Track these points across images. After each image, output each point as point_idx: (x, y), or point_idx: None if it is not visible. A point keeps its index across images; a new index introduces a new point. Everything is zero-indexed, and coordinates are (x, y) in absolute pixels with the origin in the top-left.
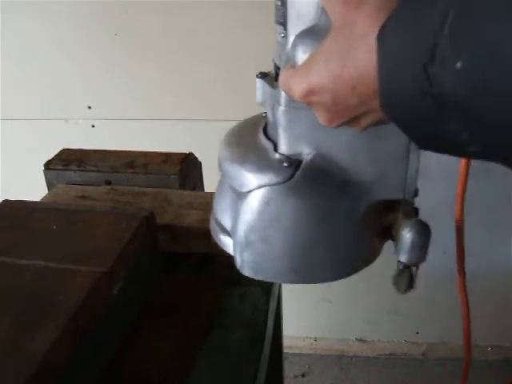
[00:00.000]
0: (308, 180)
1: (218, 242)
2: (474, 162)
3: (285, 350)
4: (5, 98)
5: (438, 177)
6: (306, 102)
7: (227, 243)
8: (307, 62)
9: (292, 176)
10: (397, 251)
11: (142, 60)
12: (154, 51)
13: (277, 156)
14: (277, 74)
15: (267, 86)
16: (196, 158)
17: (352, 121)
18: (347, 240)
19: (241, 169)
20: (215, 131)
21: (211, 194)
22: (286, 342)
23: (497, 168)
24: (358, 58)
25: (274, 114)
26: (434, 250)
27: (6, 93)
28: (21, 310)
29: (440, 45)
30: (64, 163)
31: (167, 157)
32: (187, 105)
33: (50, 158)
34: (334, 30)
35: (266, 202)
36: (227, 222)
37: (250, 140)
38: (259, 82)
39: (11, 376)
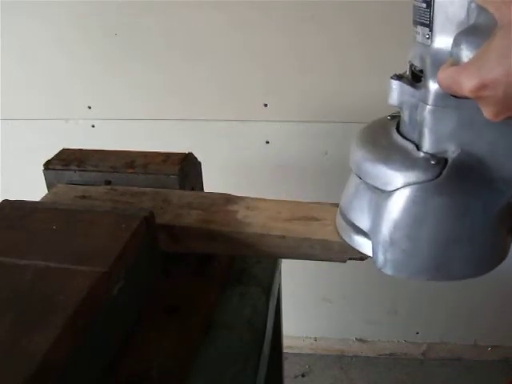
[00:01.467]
0: (454, 178)
1: (351, 243)
2: None
3: (285, 350)
4: (5, 98)
5: None
6: (475, 97)
7: (362, 243)
8: (476, 59)
9: (439, 174)
10: None
11: (142, 60)
12: (153, 51)
13: (421, 155)
14: (415, 75)
15: (406, 87)
16: (196, 158)
17: None
18: (486, 236)
19: (385, 168)
20: (215, 131)
21: (211, 194)
22: (285, 342)
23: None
24: None
25: (416, 114)
26: None
27: (6, 93)
28: (20, 309)
29: None
30: (64, 163)
31: (167, 157)
32: (187, 105)
33: (49, 158)
34: (502, 28)
35: (413, 200)
36: (364, 223)
37: (386, 140)
38: (395, 84)
39: (11, 376)
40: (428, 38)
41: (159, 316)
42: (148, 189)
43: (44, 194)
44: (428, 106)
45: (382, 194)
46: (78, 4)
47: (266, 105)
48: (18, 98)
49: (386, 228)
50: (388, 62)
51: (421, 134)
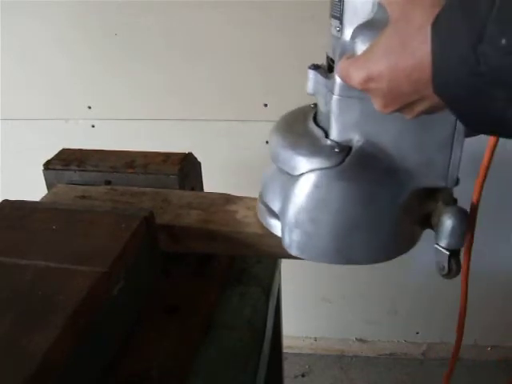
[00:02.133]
0: (357, 165)
1: (265, 225)
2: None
3: (285, 350)
4: (5, 98)
5: None
6: (363, 89)
7: (274, 225)
8: (366, 52)
9: (342, 161)
10: (437, 237)
11: (142, 60)
12: (153, 51)
13: (328, 142)
14: (330, 66)
15: (320, 77)
16: (195, 158)
17: (405, 107)
18: (389, 224)
19: (293, 153)
20: (215, 131)
21: (211, 194)
22: (285, 342)
23: (497, 167)
24: (414, 47)
25: (326, 103)
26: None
27: (6, 93)
28: (20, 309)
29: (487, 26)
30: (64, 163)
31: (167, 157)
32: (187, 105)
33: (49, 158)
34: (391, 23)
35: (316, 185)
36: (276, 205)
37: (301, 127)
38: (312, 73)
39: (11, 376)
40: (339, 31)
41: (159, 316)
42: (148, 189)
43: (44, 194)
44: (334, 96)
45: (290, 178)
46: (78, 4)
47: (266, 105)
48: (18, 98)
49: (291, 210)
50: None
51: (329, 123)
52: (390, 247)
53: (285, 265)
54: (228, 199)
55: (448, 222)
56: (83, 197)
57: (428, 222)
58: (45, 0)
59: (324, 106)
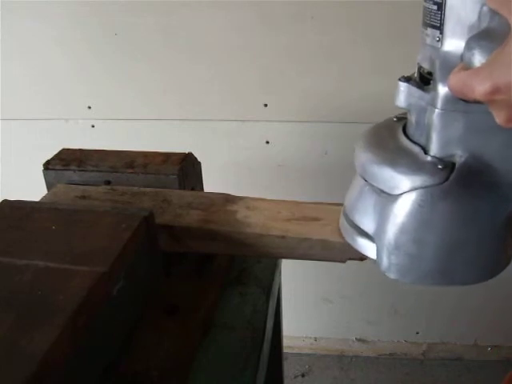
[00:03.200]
0: (461, 182)
1: (355, 246)
2: None
3: (285, 350)
4: (5, 98)
5: None
6: (487, 101)
7: (366, 246)
8: (489, 63)
9: (447, 178)
10: None
11: (142, 60)
12: (153, 51)
13: (429, 158)
14: (423, 77)
15: (415, 90)
16: (195, 158)
17: None
18: (492, 242)
19: (392, 171)
20: (215, 131)
21: (211, 194)
22: (285, 342)
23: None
24: None
25: (424, 117)
26: None
27: (6, 93)
28: (20, 309)
29: None
30: (63, 163)
31: (167, 157)
32: (187, 105)
33: (49, 158)
34: None
35: (420, 204)
36: (368, 225)
37: (393, 143)
38: (403, 86)
39: (11, 376)
40: (438, 41)
41: (159, 316)
42: (148, 189)
43: (44, 194)
44: (436, 110)
45: (388, 198)
46: (78, 4)
47: (266, 105)
48: (18, 98)
49: (391, 231)
50: (387, 62)
51: (428, 138)
52: (490, 266)
53: (285, 265)
54: (228, 199)
55: None
56: (83, 197)
57: None
58: (45, 0)
59: (416, 120)
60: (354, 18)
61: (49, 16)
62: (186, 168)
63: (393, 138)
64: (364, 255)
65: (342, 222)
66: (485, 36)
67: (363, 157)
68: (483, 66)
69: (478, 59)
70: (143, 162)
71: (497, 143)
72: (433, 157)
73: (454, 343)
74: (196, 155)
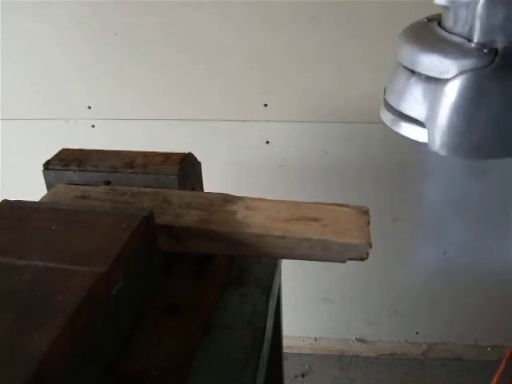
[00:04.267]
0: (505, 64)
1: (404, 132)
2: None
3: (285, 350)
4: (5, 98)
5: (439, 178)
6: None
7: (414, 131)
8: None
9: (493, 61)
10: None
11: (141, 60)
12: (153, 51)
13: (473, 45)
14: None
15: None
16: (195, 158)
17: None
18: None
19: (442, 58)
20: (215, 131)
21: (211, 194)
22: (285, 342)
23: (497, 167)
24: None
25: (465, 12)
26: (434, 250)
27: (6, 93)
28: (20, 310)
29: None
30: (63, 163)
31: (167, 157)
32: (187, 105)
33: (49, 158)
34: None
35: (470, 86)
36: (419, 112)
37: (435, 36)
38: None
39: (11, 376)
40: None
41: (159, 316)
42: (148, 189)
43: (44, 194)
44: (481, 0)
45: (439, 83)
46: (78, 4)
47: (266, 105)
48: (18, 98)
49: (443, 113)
50: (387, 62)
51: (472, 27)
52: None
53: (285, 265)
54: (228, 199)
55: None
56: (83, 197)
57: None
58: (45, 0)
59: (456, 15)
60: (353, 18)
61: (49, 16)
62: (186, 168)
63: (434, 33)
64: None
65: (386, 114)
66: None
67: (410, 49)
68: None
69: None
70: (143, 162)
71: None
72: (477, 43)
73: (453, 343)
74: (196, 155)
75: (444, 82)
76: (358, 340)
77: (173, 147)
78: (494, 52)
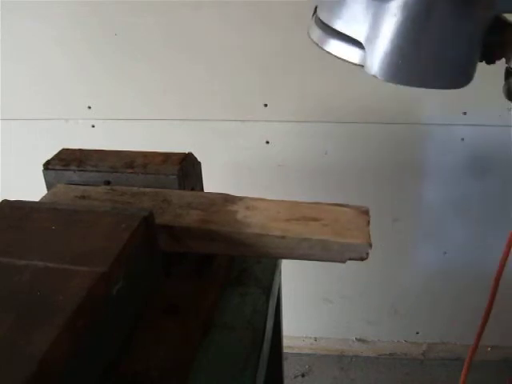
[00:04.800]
0: None
1: (335, 52)
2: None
3: (285, 350)
4: (5, 98)
5: (439, 179)
6: None
7: (348, 51)
8: None
9: None
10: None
11: (141, 60)
12: (153, 51)
13: None
14: None
15: None
16: (195, 158)
17: None
18: (473, 46)
19: None
20: (215, 131)
21: (211, 194)
22: (285, 342)
23: (497, 167)
24: None
25: None
26: (434, 250)
27: (6, 93)
28: (20, 310)
29: None
30: (63, 163)
31: (167, 157)
32: (187, 105)
33: (49, 158)
34: None
35: (417, 7)
36: (357, 31)
37: None
38: None
39: (10, 376)
40: None
41: (159, 316)
42: (148, 189)
43: (44, 194)
44: None
45: (381, 4)
46: (78, 4)
47: (266, 105)
48: (18, 98)
49: (386, 33)
50: None
51: None
52: (465, 75)
53: (285, 265)
54: (228, 199)
55: None
56: (83, 197)
57: (488, 54)
58: (45, 0)
59: None
60: None
61: (49, 16)
62: (186, 168)
63: None
64: (352, 63)
65: (316, 32)
66: None
67: None
68: None
69: None
70: (143, 162)
71: None
72: None
73: (453, 343)
74: (196, 155)
75: (385, 3)
76: (358, 340)
77: (173, 147)
78: None
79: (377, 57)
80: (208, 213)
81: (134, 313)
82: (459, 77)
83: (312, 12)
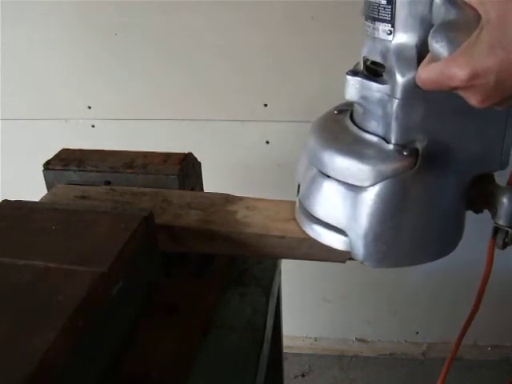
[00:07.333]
0: (427, 165)
1: (322, 240)
2: None
3: (285, 350)
4: (5, 98)
5: None
6: (467, 86)
7: (335, 239)
8: (464, 51)
9: (415, 164)
10: (496, 216)
11: (141, 60)
12: (153, 51)
13: (391, 147)
14: (371, 70)
15: (367, 82)
16: (195, 158)
17: (503, 101)
18: (455, 215)
19: (360, 164)
20: (215, 131)
21: (211, 194)
22: (285, 342)
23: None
24: None
25: (379, 108)
26: None
27: (6, 93)
28: (20, 310)
29: None
30: (63, 163)
31: (167, 157)
32: (187, 105)
33: (49, 158)
34: (489, 22)
35: (393, 193)
36: (338, 220)
37: (348, 136)
38: (353, 80)
39: (10, 376)
40: (390, 34)
41: (159, 316)
42: (148, 189)
43: (44, 194)
44: (397, 100)
45: (359, 190)
46: (78, 4)
47: (265, 105)
48: (17, 98)
49: (366, 223)
50: None
51: (388, 127)
52: (456, 236)
53: (285, 265)
54: (228, 199)
55: (506, 202)
56: (83, 197)
57: (473, 204)
58: (45, 0)
59: (370, 112)
60: (353, 18)
61: (49, 16)
62: (186, 168)
63: (346, 131)
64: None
65: (302, 218)
66: (449, 28)
67: (324, 154)
68: (459, 54)
69: (448, 50)
70: (143, 162)
71: (454, 124)
72: (395, 145)
73: (453, 343)
74: (196, 155)
75: (364, 189)
76: (358, 340)
77: (173, 147)
78: (415, 154)
79: (361, 245)
80: (208, 213)
81: (134, 313)
82: (448, 243)
83: (296, 189)
